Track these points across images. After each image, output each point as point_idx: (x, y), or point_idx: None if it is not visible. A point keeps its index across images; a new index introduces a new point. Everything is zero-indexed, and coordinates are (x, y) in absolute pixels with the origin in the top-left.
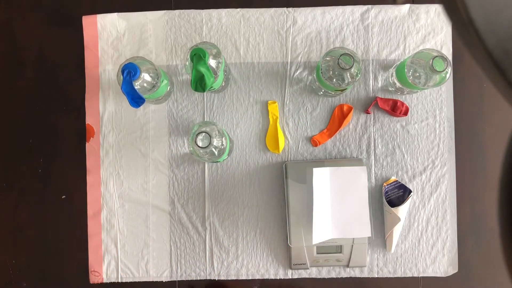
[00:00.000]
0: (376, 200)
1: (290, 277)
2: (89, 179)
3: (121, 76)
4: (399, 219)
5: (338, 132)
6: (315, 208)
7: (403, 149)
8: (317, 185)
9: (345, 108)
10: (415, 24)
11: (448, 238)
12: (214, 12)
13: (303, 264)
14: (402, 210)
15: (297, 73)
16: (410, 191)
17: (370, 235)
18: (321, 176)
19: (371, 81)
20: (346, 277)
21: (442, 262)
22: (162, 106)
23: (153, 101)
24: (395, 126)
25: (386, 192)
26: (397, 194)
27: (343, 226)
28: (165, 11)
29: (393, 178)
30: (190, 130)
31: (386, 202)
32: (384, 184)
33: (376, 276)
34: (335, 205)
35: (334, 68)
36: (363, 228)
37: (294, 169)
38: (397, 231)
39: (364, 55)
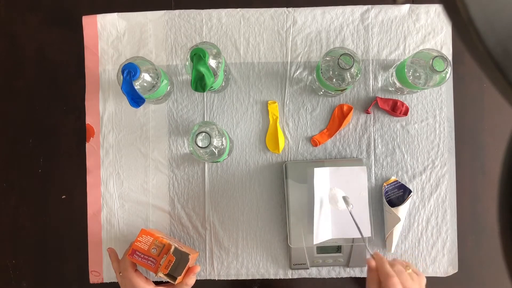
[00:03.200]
0: (376, 200)
1: (290, 277)
2: (89, 179)
3: (121, 76)
4: (399, 219)
5: (338, 132)
6: (316, 208)
7: (403, 149)
8: (318, 185)
9: (345, 108)
10: (415, 24)
11: (448, 238)
12: (214, 12)
13: (303, 264)
14: (402, 210)
15: (297, 73)
16: (410, 191)
17: (370, 235)
18: (322, 176)
19: (371, 81)
20: (346, 277)
21: (442, 262)
22: (162, 106)
23: (153, 101)
24: (395, 126)
25: (386, 192)
26: (397, 194)
27: (343, 226)
28: (165, 11)
29: (393, 178)
30: (190, 130)
31: (386, 202)
32: (384, 184)
33: None
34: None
35: (334, 68)
36: (363, 228)
37: (294, 169)
38: (397, 231)
39: (364, 55)
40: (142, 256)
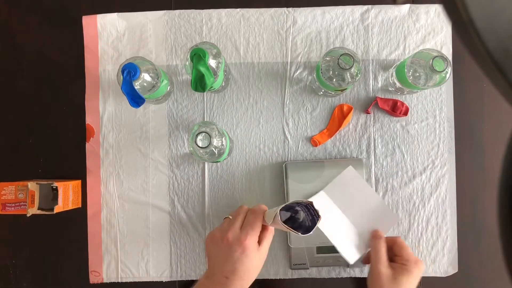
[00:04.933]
0: None
1: (290, 277)
2: (89, 179)
3: (121, 76)
4: None
5: (338, 132)
6: (332, 238)
7: (403, 149)
8: (323, 216)
9: (345, 108)
10: (415, 24)
11: (448, 238)
12: (214, 12)
13: (303, 264)
14: None
15: (297, 73)
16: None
17: (399, 219)
18: (321, 203)
19: (371, 81)
20: (346, 277)
21: (442, 262)
22: (162, 106)
23: (153, 101)
24: (395, 126)
25: None
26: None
27: (371, 228)
28: (165, 11)
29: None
30: (190, 130)
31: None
32: None
33: None
34: (352, 216)
35: (334, 68)
36: (389, 217)
37: (294, 169)
38: None
39: (364, 55)
40: (13, 205)
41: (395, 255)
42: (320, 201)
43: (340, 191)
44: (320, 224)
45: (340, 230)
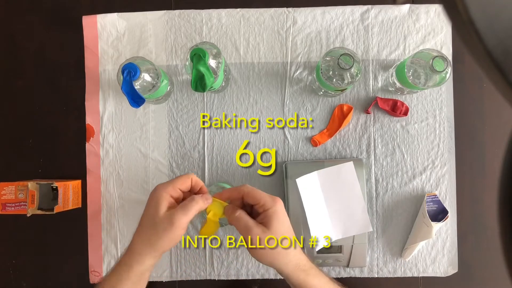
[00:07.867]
0: (373, 199)
1: None
2: (89, 179)
3: (121, 76)
4: (430, 237)
5: (338, 132)
6: (309, 218)
7: (403, 149)
8: (305, 194)
9: (345, 108)
10: (415, 24)
11: (448, 238)
12: (214, 12)
13: None
14: (436, 228)
15: (297, 73)
16: (446, 212)
17: (371, 229)
18: (309, 183)
19: (371, 81)
20: (346, 277)
21: (442, 262)
22: (162, 106)
23: (153, 101)
24: (395, 126)
25: (427, 203)
26: (432, 209)
27: (343, 226)
28: (165, 11)
29: (434, 192)
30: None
31: (427, 215)
32: (426, 194)
33: (376, 276)
34: (331, 207)
35: (334, 68)
36: (363, 224)
37: (294, 169)
38: (420, 246)
39: (364, 55)
40: (13, 205)
41: (250, 205)
42: (309, 181)
43: (331, 180)
44: (305, 201)
45: (317, 215)
